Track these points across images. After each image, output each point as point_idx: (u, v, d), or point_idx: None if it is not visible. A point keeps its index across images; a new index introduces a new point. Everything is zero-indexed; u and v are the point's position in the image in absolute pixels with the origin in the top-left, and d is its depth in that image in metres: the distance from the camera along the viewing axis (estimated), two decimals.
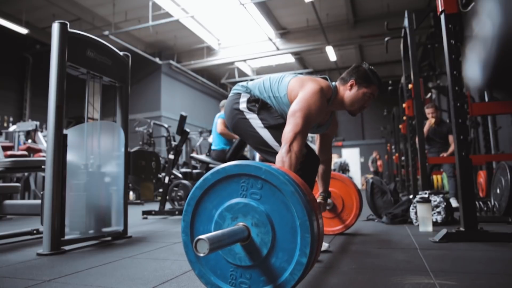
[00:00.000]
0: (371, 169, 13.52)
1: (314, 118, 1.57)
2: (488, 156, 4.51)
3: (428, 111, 4.51)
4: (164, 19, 9.33)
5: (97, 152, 2.37)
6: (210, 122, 12.22)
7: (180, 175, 4.78)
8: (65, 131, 2.10)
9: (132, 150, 3.26)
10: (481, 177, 5.07)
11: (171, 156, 4.31)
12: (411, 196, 3.66)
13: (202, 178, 1.06)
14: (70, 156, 2.13)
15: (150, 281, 1.37)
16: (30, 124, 5.96)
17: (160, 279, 1.39)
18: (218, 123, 4.10)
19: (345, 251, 1.92)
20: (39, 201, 2.21)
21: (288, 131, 1.50)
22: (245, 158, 3.97)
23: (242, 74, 14.60)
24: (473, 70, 0.48)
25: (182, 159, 9.16)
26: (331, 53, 11.65)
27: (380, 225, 3.07)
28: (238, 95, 1.79)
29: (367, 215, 3.50)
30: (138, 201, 6.53)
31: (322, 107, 1.60)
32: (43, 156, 4.37)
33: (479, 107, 2.77)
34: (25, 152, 4.82)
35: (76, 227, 2.17)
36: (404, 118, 5.17)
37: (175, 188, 4.48)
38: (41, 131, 6.25)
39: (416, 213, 2.91)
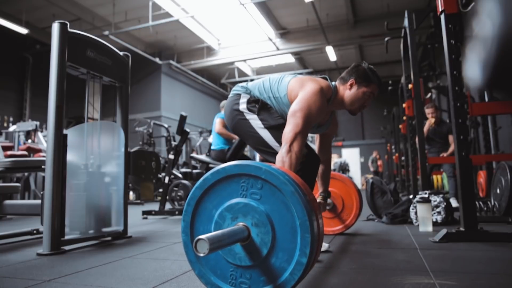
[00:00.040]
0: (371, 169, 13.53)
1: (314, 118, 1.57)
2: (488, 156, 4.51)
3: (428, 111, 4.51)
4: (164, 19, 9.33)
5: (97, 152, 2.37)
6: (210, 122, 12.21)
7: (180, 175, 4.78)
8: (65, 131, 2.10)
9: (132, 150, 3.26)
10: (481, 177, 5.07)
11: (171, 156, 4.31)
12: (411, 196, 3.66)
13: (202, 178, 1.06)
14: (70, 156, 2.13)
15: (150, 281, 1.37)
16: (30, 124, 5.96)
17: (160, 279, 1.39)
18: (217, 123, 4.10)
19: (345, 251, 1.92)
20: (39, 201, 2.21)
21: (288, 131, 1.50)
22: (246, 157, 3.97)
23: (242, 74, 14.60)
24: (473, 70, 0.48)
25: (182, 159, 9.16)
26: (331, 53, 11.65)
27: (380, 225, 3.07)
28: (238, 95, 1.79)
29: (367, 215, 3.50)
30: (138, 201, 6.53)
31: (322, 107, 1.60)
32: (43, 156, 4.37)
33: (479, 107, 2.77)
34: (25, 152, 4.82)
35: (76, 227, 2.17)
36: (404, 118, 5.17)
37: (175, 188, 4.48)
38: (41, 131, 6.26)
39: (416, 213, 2.91)
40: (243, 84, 1.85)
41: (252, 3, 8.81)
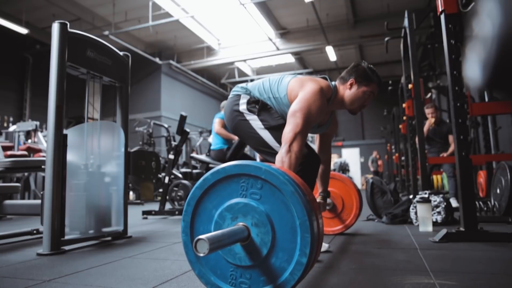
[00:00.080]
0: (371, 169, 13.53)
1: (314, 118, 1.57)
2: (488, 156, 4.51)
3: (428, 111, 4.52)
4: (164, 19, 9.34)
5: (97, 152, 2.37)
6: (210, 122, 12.21)
7: (180, 175, 4.78)
8: (65, 131, 2.10)
9: (132, 150, 3.26)
10: (481, 177, 5.07)
11: (171, 156, 4.31)
12: (411, 196, 3.66)
13: (202, 178, 1.06)
14: (70, 156, 2.13)
15: (150, 281, 1.37)
16: (30, 124, 5.97)
17: (160, 279, 1.39)
18: (216, 123, 4.10)
19: (345, 251, 1.92)
20: (39, 201, 2.21)
21: (288, 131, 1.50)
22: (247, 156, 3.96)
23: (242, 74, 14.60)
24: (473, 70, 0.48)
25: (182, 159, 9.16)
26: (331, 53, 11.65)
27: (380, 225, 3.07)
28: (238, 96, 1.79)
29: (367, 215, 3.50)
30: (138, 201, 6.53)
31: (322, 107, 1.60)
32: (43, 156, 4.37)
33: (479, 107, 2.77)
34: (25, 152, 4.82)
35: (76, 227, 2.17)
36: (404, 118, 5.17)
37: (175, 188, 4.48)
38: (41, 131, 6.26)
39: (416, 213, 2.91)
40: (243, 84, 1.85)
41: (252, 3, 8.81)
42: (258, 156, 5.21)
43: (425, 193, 2.95)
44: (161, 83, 12.57)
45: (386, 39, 4.63)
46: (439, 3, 2.30)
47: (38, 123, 6.05)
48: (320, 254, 1.78)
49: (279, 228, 0.97)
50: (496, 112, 3.50)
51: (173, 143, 5.71)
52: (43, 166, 2.34)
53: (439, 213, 2.91)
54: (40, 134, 5.85)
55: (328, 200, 2.47)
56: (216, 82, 15.50)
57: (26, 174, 4.93)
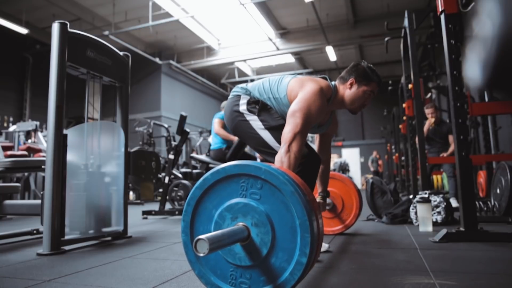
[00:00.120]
0: (371, 169, 13.54)
1: (314, 118, 1.57)
2: (488, 156, 4.51)
3: (428, 111, 4.52)
4: (164, 19, 9.34)
5: (97, 152, 2.37)
6: (210, 122, 12.20)
7: (180, 175, 4.78)
8: (65, 131, 2.10)
9: (132, 150, 3.26)
10: (481, 177, 5.07)
11: (171, 156, 4.31)
12: (411, 196, 3.66)
13: (202, 178, 1.06)
14: (70, 156, 2.13)
15: (150, 281, 1.37)
16: (30, 124, 5.96)
17: (160, 279, 1.39)
18: (215, 123, 4.10)
19: (345, 251, 1.92)
20: (39, 201, 2.21)
21: (287, 132, 1.50)
22: (248, 155, 3.95)
23: (242, 74, 14.60)
24: (473, 70, 0.48)
25: (182, 159, 9.16)
26: (331, 53, 11.65)
27: (380, 225, 3.07)
28: (238, 97, 1.79)
29: (367, 215, 3.50)
30: (138, 201, 6.53)
31: (322, 107, 1.60)
32: (43, 156, 4.37)
33: (479, 107, 2.77)
34: (25, 152, 4.82)
35: (76, 227, 2.17)
36: (404, 118, 5.17)
37: (175, 188, 4.48)
38: (41, 131, 6.26)
39: (416, 213, 2.91)
40: (243, 85, 1.85)
41: (252, 3, 8.81)
42: (258, 156, 5.20)
43: (425, 193, 2.95)
44: (161, 83, 12.57)
45: (386, 39, 4.63)
46: (439, 3, 2.30)
47: (38, 123, 6.05)
48: (320, 254, 1.78)
49: (279, 228, 0.97)
50: (496, 112, 3.50)
51: (173, 143, 5.71)
52: (43, 166, 2.34)
53: (439, 213, 2.91)
54: (40, 134, 5.85)
55: (328, 200, 2.47)
56: (216, 82, 15.51)
57: (26, 174, 4.93)
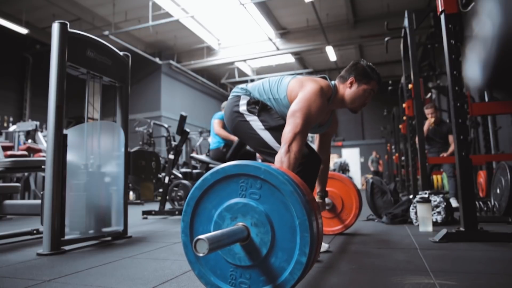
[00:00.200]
0: (371, 168, 13.54)
1: (315, 118, 1.57)
2: (488, 156, 4.51)
3: (428, 111, 4.52)
4: (164, 19, 9.34)
5: (97, 152, 2.37)
6: (210, 122, 12.22)
7: (180, 175, 4.78)
8: (65, 131, 2.10)
9: (132, 150, 3.26)
10: (481, 177, 5.07)
11: (171, 156, 4.32)
12: (411, 196, 3.66)
13: (201, 179, 1.06)
14: (70, 156, 2.13)
15: (150, 281, 1.37)
16: (30, 124, 5.96)
17: (160, 279, 1.39)
18: (215, 124, 4.09)
19: (345, 251, 1.92)
20: (39, 201, 2.21)
21: (287, 132, 1.50)
22: (249, 154, 3.93)
23: (242, 74, 14.60)
24: (473, 70, 0.48)
25: (182, 159, 9.16)
26: (331, 53, 11.65)
27: (380, 225, 3.06)
28: (238, 97, 1.79)
29: (367, 215, 3.50)
30: (138, 201, 6.53)
31: (323, 106, 1.60)
32: (43, 156, 4.37)
33: (479, 107, 2.77)
34: (25, 152, 4.82)
35: (76, 227, 2.17)
36: (404, 118, 5.17)
37: (175, 188, 4.48)
38: (41, 131, 6.25)
39: (416, 213, 2.91)
40: (243, 85, 1.85)
41: (252, 3, 8.81)
42: (258, 156, 5.20)
43: (425, 193, 2.95)
44: (161, 83, 12.57)
45: (386, 39, 4.63)
46: (439, 3, 2.30)
47: (38, 123, 6.05)
48: (320, 254, 1.78)
49: (278, 227, 0.97)
50: (496, 112, 3.50)
51: (173, 143, 5.71)
52: (43, 166, 2.34)
53: (439, 213, 2.91)
54: (40, 134, 5.85)
55: (328, 200, 2.47)
56: (216, 82, 15.51)
57: (26, 174, 4.93)
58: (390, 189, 3.49)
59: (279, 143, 1.61)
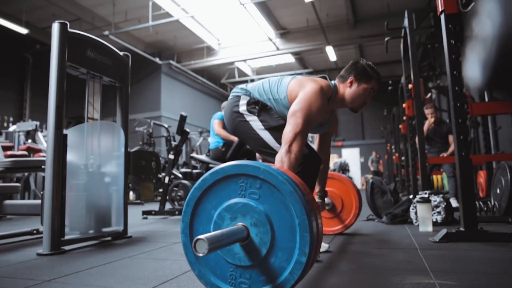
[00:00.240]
0: (371, 168, 13.55)
1: (315, 118, 1.57)
2: (488, 156, 4.51)
3: (428, 111, 4.52)
4: (164, 19, 9.34)
5: (97, 152, 2.37)
6: (210, 122, 12.22)
7: (180, 175, 4.78)
8: (65, 131, 2.10)
9: (132, 150, 3.26)
10: (481, 177, 5.07)
11: (171, 156, 4.32)
12: (411, 196, 3.66)
13: (200, 179, 1.06)
14: (70, 156, 2.13)
15: (150, 281, 1.37)
16: (30, 124, 5.96)
17: (160, 279, 1.39)
18: (215, 124, 4.09)
19: (345, 251, 1.92)
20: (39, 201, 2.21)
21: (288, 131, 1.50)
22: (250, 153, 3.92)
23: (242, 74, 14.60)
24: (473, 70, 0.48)
25: (182, 159, 9.16)
26: (331, 53, 11.65)
27: (380, 225, 3.06)
28: (238, 97, 1.79)
29: (367, 215, 3.50)
30: (138, 201, 6.53)
31: (323, 106, 1.60)
32: (43, 156, 4.37)
33: (479, 107, 2.77)
34: (25, 152, 4.82)
35: (76, 227, 2.17)
36: (404, 118, 5.17)
37: (175, 188, 4.48)
38: (41, 131, 6.25)
39: (416, 213, 2.91)
40: (243, 86, 1.85)
41: (252, 3, 8.81)
42: (258, 156, 5.20)
43: (425, 193, 2.95)
44: (161, 83, 12.57)
45: (386, 39, 4.63)
46: (439, 3, 2.30)
47: (38, 123, 6.05)
48: (320, 254, 1.78)
49: (278, 227, 0.97)
50: (496, 112, 3.50)
51: (173, 143, 5.71)
52: (43, 166, 2.34)
53: (439, 213, 2.91)
54: (40, 134, 5.85)
55: (328, 200, 2.47)
56: (216, 82, 15.50)
57: (26, 174, 4.93)
58: (390, 189, 3.49)
59: (279, 143, 1.61)
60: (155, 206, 4.87)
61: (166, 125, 7.89)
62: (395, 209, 3.20)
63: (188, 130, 4.30)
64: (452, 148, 4.35)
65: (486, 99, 4.23)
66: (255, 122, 1.71)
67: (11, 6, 9.13)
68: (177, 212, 4.01)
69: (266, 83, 1.78)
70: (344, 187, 2.53)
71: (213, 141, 4.16)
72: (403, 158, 7.97)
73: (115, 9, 9.57)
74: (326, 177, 2.08)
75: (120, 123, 2.61)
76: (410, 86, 4.00)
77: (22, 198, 4.99)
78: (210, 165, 4.05)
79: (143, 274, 1.48)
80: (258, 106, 1.73)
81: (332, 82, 1.76)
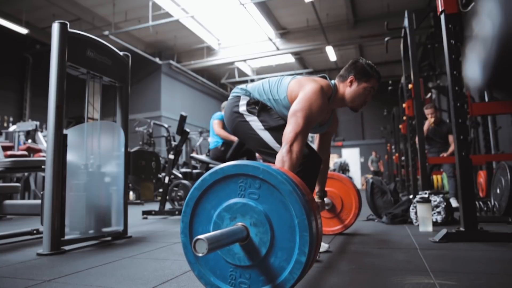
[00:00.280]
0: (371, 168, 13.55)
1: (315, 118, 1.57)
2: (488, 156, 4.51)
3: (427, 111, 4.52)
4: (164, 19, 9.34)
5: (97, 152, 2.37)
6: (210, 122, 12.20)
7: (180, 175, 4.78)
8: (65, 131, 2.10)
9: (132, 150, 3.26)
10: (481, 177, 5.07)
11: (171, 156, 4.32)
12: (411, 196, 3.66)
13: (200, 179, 1.06)
14: (70, 156, 2.13)
15: (150, 281, 1.37)
16: (30, 124, 5.96)
17: (160, 279, 1.39)
18: (215, 124, 4.09)
19: (345, 251, 1.92)
20: (39, 201, 2.21)
21: (289, 131, 1.50)
22: (250, 152, 3.92)
23: (242, 74, 14.60)
24: (473, 70, 0.48)
25: (182, 159, 9.16)
26: (331, 53, 11.65)
27: (380, 225, 3.06)
28: (238, 98, 1.79)
29: (367, 215, 3.50)
30: (138, 201, 6.53)
31: (323, 106, 1.60)
32: (43, 156, 4.37)
33: (479, 107, 2.77)
34: (25, 152, 4.82)
35: (76, 227, 2.17)
36: (404, 118, 5.17)
37: (175, 188, 4.48)
38: (41, 131, 6.25)
39: (416, 213, 2.91)
40: (243, 86, 1.85)
41: (252, 3, 8.81)
42: (258, 156, 5.19)
43: (425, 193, 2.95)
44: (161, 83, 12.57)
45: (386, 39, 4.63)
46: (439, 3, 2.30)
47: (38, 123, 6.05)
48: (320, 254, 1.78)
49: (277, 227, 0.97)
50: (496, 112, 3.49)
51: (173, 143, 5.71)
52: (43, 166, 2.34)
53: (439, 213, 2.91)
54: (40, 134, 5.85)
55: (327, 200, 2.47)
56: (216, 82, 15.50)
57: (26, 174, 4.92)
58: (390, 189, 3.49)
59: (279, 143, 1.61)
60: (155, 206, 4.87)
61: (166, 125, 7.89)
62: (395, 209, 3.20)
63: (188, 130, 4.30)
64: (452, 148, 4.35)
65: (486, 99, 4.23)
66: (255, 122, 1.71)
67: (11, 6, 9.13)
68: (177, 212, 4.01)
69: (266, 83, 1.78)
70: (344, 187, 2.53)
71: (212, 141, 4.16)
72: (403, 158, 7.97)
73: (115, 9, 9.57)
74: (326, 177, 2.08)
75: (120, 123, 2.61)
76: (410, 86, 4.00)
77: (22, 198, 4.99)
78: (210, 165, 4.05)
79: (143, 274, 1.48)
80: (258, 106, 1.73)
81: (332, 81, 1.76)
